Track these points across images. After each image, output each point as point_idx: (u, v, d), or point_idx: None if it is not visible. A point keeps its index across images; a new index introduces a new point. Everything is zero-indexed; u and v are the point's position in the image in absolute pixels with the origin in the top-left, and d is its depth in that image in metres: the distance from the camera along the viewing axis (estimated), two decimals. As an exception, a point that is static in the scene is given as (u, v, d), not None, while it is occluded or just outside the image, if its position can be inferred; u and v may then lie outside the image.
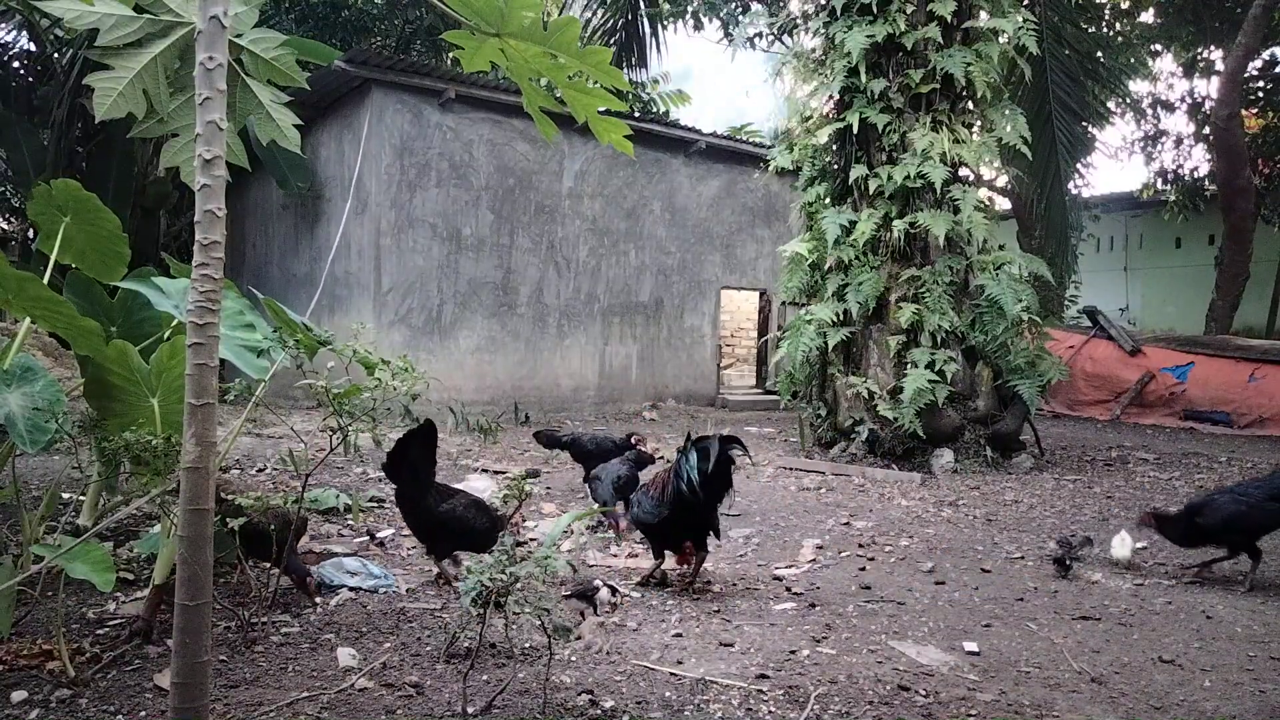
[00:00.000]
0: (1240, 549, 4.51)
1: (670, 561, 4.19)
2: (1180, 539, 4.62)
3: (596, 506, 5.12)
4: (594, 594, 3.76)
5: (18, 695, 2.73)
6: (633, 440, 6.21)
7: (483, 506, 4.03)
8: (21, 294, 2.94)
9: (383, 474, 4.10)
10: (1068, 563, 4.55)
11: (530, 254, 11.83)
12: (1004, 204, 16.32)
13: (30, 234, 13.10)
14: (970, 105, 8.49)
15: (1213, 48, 17.32)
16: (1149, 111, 18.60)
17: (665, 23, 17.40)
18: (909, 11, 8.11)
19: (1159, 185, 19.01)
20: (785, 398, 9.19)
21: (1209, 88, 17.55)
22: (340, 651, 3.17)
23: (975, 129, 8.51)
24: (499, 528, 3.92)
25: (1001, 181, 14.31)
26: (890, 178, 8.01)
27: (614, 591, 3.86)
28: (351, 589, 3.92)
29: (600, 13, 16.25)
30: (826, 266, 8.49)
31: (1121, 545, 4.77)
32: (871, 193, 8.24)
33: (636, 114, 14.95)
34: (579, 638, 3.40)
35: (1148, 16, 17.21)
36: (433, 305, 10.99)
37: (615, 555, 4.78)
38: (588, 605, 3.74)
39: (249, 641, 3.22)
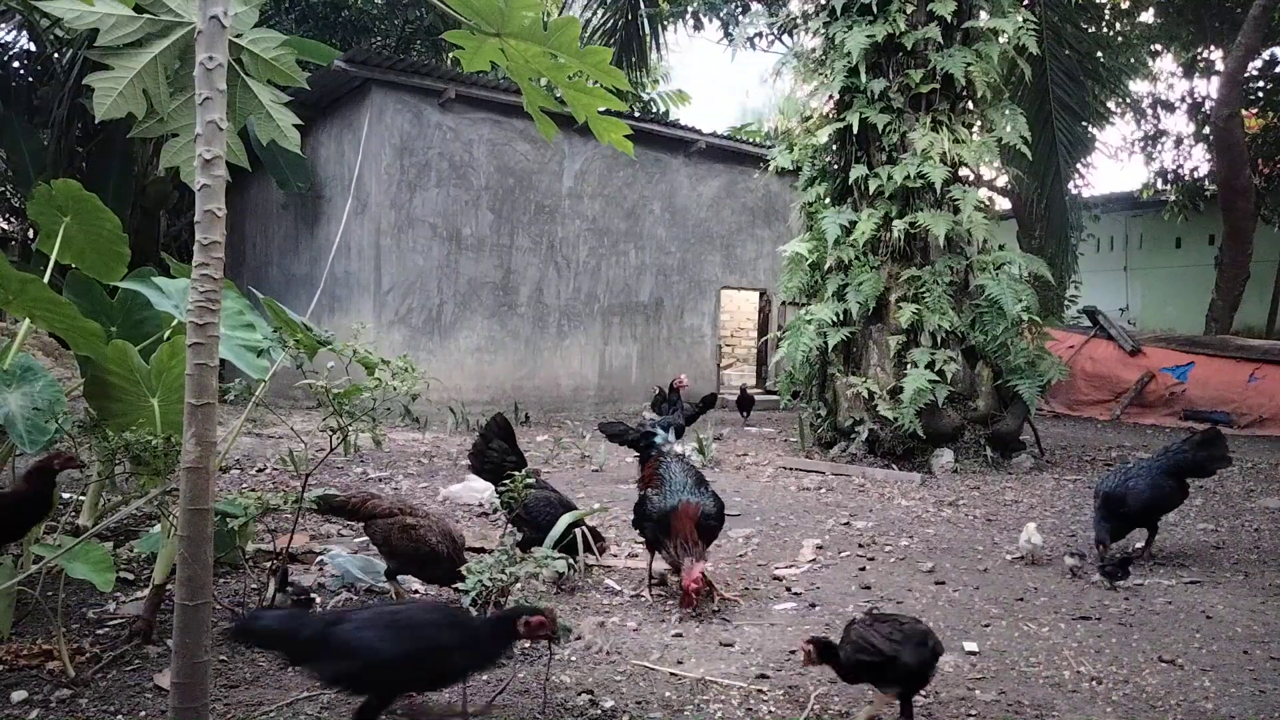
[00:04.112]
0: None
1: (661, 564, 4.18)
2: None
3: (596, 506, 5.12)
4: None
5: (18, 695, 2.73)
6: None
7: (552, 502, 4.40)
8: (24, 295, 2.94)
9: (386, 474, 4.10)
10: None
11: (530, 254, 11.82)
12: (1004, 204, 16.31)
13: (30, 234, 13.10)
14: (970, 105, 8.49)
15: (1213, 48, 17.31)
16: (1149, 111, 18.59)
17: (665, 23, 17.39)
18: (909, 11, 8.10)
19: (1159, 185, 18.99)
20: (785, 398, 9.19)
21: (1209, 88, 17.54)
22: (340, 651, 3.16)
23: (975, 129, 8.50)
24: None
25: (1001, 181, 14.31)
26: (890, 178, 8.01)
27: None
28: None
29: (600, 13, 16.24)
30: (826, 266, 8.48)
31: (1030, 535, 4.83)
32: (871, 193, 8.24)
33: (636, 114, 14.94)
34: (579, 638, 3.41)
35: (1148, 16, 17.19)
36: (433, 305, 10.98)
37: (615, 555, 4.79)
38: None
39: (249, 641, 3.22)
